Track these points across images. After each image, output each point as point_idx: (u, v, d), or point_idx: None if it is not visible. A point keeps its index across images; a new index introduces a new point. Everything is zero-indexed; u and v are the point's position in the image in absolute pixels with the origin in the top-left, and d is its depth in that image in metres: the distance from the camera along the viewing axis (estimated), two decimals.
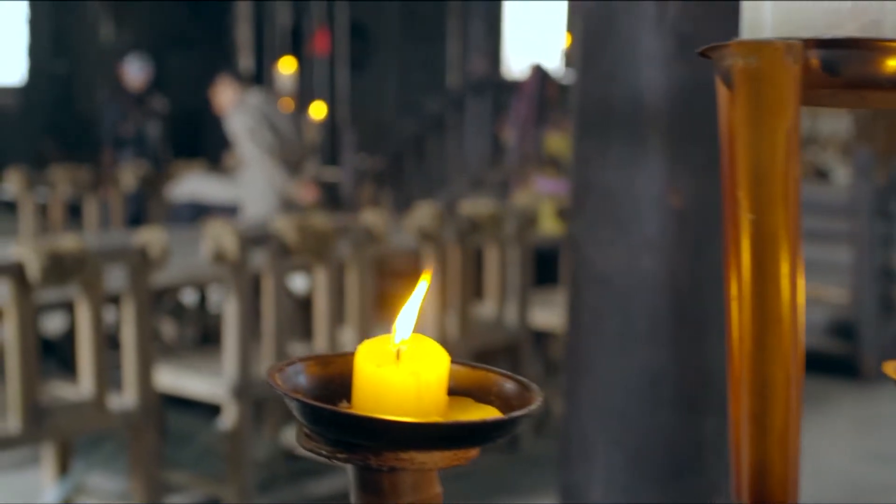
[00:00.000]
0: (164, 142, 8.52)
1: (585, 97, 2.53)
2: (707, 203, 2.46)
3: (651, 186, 2.47)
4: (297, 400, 0.57)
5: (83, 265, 3.12)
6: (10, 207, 8.69)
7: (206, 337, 5.87)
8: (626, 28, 2.47)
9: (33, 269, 3.02)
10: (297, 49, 12.48)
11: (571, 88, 2.66)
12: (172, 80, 8.42)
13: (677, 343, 2.47)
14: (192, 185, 6.38)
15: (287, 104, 7.38)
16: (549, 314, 5.17)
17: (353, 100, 12.34)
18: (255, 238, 3.58)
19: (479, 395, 0.63)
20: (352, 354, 0.60)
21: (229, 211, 6.35)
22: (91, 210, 6.28)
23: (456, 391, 0.62)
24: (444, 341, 4.37)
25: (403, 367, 0.58)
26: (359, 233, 3.94)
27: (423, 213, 4.24)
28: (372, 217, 4.01)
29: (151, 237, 3.34)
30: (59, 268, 3.06)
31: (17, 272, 3.03)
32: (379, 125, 13.66)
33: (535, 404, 0.59)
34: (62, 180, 6.14)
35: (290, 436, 4.33)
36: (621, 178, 2.47)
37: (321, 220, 3.78)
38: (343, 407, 0.60)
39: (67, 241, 3.13)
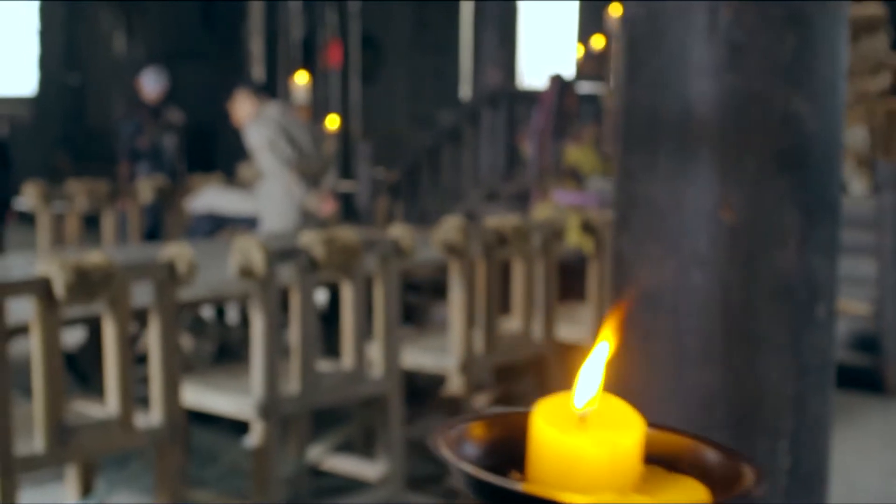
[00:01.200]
0: (179, 154, 8.46)
1: (631, 108, 2.46)
2: (760, 217, 2.38)
3: (702, 200, 2.40)
4: (487, 483, 0.48)
5: (110, 281, 3.06)
6: (24, 218, 8.65)
7: (224, 351, 5.81)
8: (675, 36, 2.40)
9: (60, 286, 2.96)
10: (309, 61, 12.44)
11: (617, 100, 2.58)
12: (185, 93, 8.37)
13: (730, 363, 2.39)
14: (209, 198, 6.32)
15: (303, 116, 7.31)
16: (572, 328, 5.10)
17: (365, 112, 12.29)
18: (283, 253, 3.52)
19: (670, 461, 0.54)
20: (522, 414, 0.51)
21: (247, 224, 6.29)
22: (109, 223, 6.22)
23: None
24: (469, 357, 4.30)
25: (593, 433, 0.49)
26: (386, 247, 3.87)
27: (450, 227, 4.17)
28: (399, 231, 3.94)
29: (178, 252, 3.27)
30: (86, 284, 3.00)
31: (43, 288, 2.96)
32: (390, 137, 13.61)
33: (754, 483, 0.49)
34: (79, 193, 6.08)
35: (315, 453, 4.26)
36: (670, 191, 2.39)
37: (348, 235, 3.71)
38: (516, 477, 0.51)
39: (94, 257, 3.07)
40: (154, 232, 7.83)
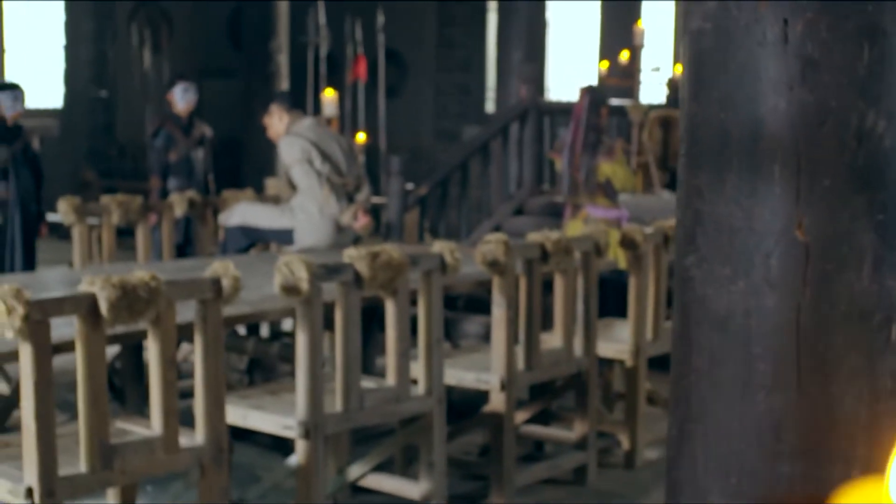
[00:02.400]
0: (209, 168, 8.44)
1: (697, 125, 2.39)
2: (834, 237, 2.31)
3: (773, 219, 2.33)
4: None
5: (155, 299, 3.01)
6: (52, 230, 8.63)
7: (256, 366, 5.76)
8: (744, 50, 2.33)
9: (104, 304, 2.91)
10: (333, 76, 12.42)
11: (681, 116, 2.51)
12: (211, 108, 8.36)
13: (802, 388, 2.32)
14: (242, 213, 6.28)
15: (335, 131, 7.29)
16: (610, 345, 5.03)
17: (389, 127, 12.27)
18: (328, 269, 3.46)
19: None
20: None
21: (281, 239, 6.24)
22: (143, 237, 6.19)
23: None
24: (511, 374, 4.24)
25: None
26: (432, 263, 3.81)
27: (493, 243, 4.11)
28: (443, 246, 3.89)
29: (223, 269, 3.22)
30: (131, 302, 2.95)
31: (87, 306, 2.92)
32: (415, 152, 13.56)
33: None
34: (113, 207, 6.05)
35: (356, 470, 4.20)
36: (740, 210, 2.33)
37: (393, 251, 3.66)
38: None
39: (138, 274, 3.02)
40: (185, 246, 7.81)
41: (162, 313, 3.08)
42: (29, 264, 7.73)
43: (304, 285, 3.37)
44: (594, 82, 14.56)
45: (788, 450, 2.34)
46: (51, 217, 8.21)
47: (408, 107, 16.27)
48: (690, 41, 2.40)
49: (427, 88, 16.65)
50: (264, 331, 5.88)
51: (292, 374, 6.23)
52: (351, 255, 3.58)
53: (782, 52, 2.31)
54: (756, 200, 2.33)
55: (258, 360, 5.98)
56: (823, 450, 2.33)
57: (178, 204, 6.45)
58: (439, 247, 3.91)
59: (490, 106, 16.46)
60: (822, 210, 2.31)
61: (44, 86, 15.83)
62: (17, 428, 5.05)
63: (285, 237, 6.20)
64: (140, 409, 4.93)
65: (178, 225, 7.11)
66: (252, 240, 6.30)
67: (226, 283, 3.23)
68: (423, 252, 3.88)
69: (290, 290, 3.39)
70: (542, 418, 5.08)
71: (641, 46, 10.08)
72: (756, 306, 2.33)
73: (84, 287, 2.96)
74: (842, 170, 2.34)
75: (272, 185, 11.08)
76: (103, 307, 2.93)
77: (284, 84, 13.50)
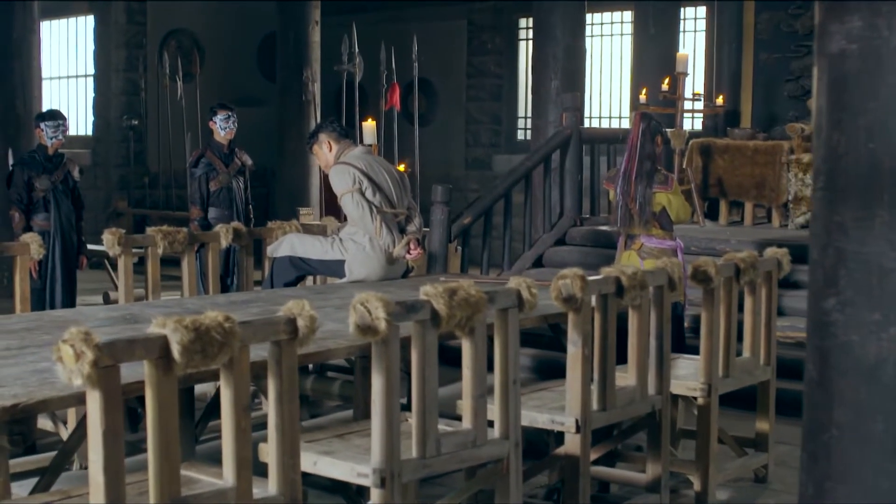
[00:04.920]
0: (249, 198, 8.29)
1: (839, 155, 2.19)
2: None
3: None
4: None
5: (230, 341, 2.82)
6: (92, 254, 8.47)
7: (303, 402, 5.58)
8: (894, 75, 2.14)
9: (177, 347, 2.73)
10: (365, 105, 12.29)
11: (817, 145, 2.32)
12: (243, 138, 8.19)
13: None
14: (291, 244, 6.10)
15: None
16: (677, 381, 4.82)
17: (420, 155, 12.12)
18: (407, 308, 3.27)
19: None
20: None
21: (332, 271, 6.07)
22: (190, 269, 6.03)
23: None
24: (587, 414, 4.04)
25: None
26: (509, 299, 3.62)
27: (569, 277, 3.92)
28: (520, 282, 3.69)
29: (299, 308, 3.04)
30: (205, 345, 2.77)
31: (159, 350, 2.73)
32: (445, 181, 13.36)
33: None
34: (159, 240, 5.90)
35: None
36: (892, 249, 2.13)
37: (470, 286, 3.47)
38: None
39: (212, 315, 2.84)
40: (225, 277, 7.65)
41: (236, 356, 2.90)
42: (69, 296, 7.58)
43: (382, 325, 3.18)
44: (626, 110, 14.41)
45: None
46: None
47: (438, 135, 16.12)
48: (830, 65, 2.21)
49: (457, 117, 16.51)
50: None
51: (340, 409, 6.08)
52: (428, 291, 3.39)
53: None
54: None
55: (304, 397, 5.80)
56: None
57: (224, 235, 6.29)
58: (515, 282, 3.72)
59: (521, 135, 16.30)
60: None
61: (73, 114, 15.77)
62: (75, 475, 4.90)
63: (336, 269, 6.02)
64: (191, 449, 4.75)
65: (221, 255, 6.96)
66: (301, 272, 6.13)
67: (301, 322, 3.04)
68: (498, 288, 3.69)
69: (367, 329, 3.20)
70: (608, 457, 4.87)
71: (685, 74, 9.88)
72: None
73: (154, 329, 2.78)
74: None
75: (303, 214, 10.93)
76: (175, 350, 2.74)
77: (317, 113, 13.37)
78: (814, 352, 2.39)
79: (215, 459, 5.27)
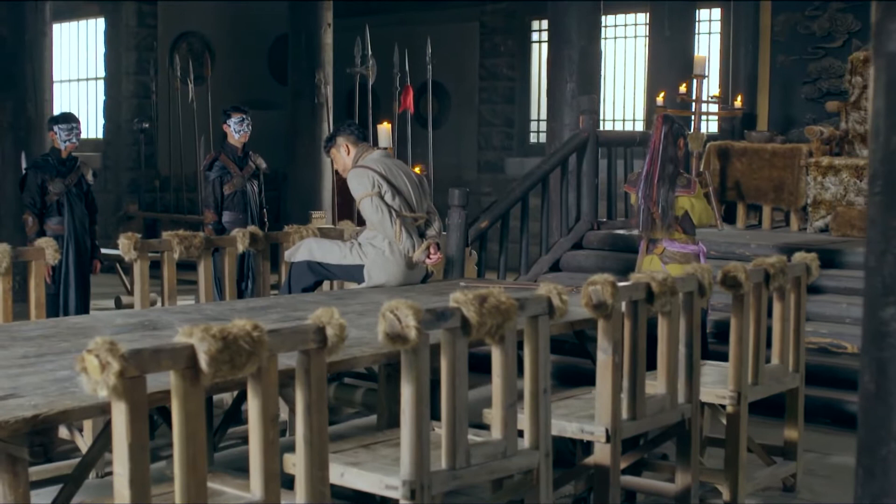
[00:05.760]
0: (263, 202, 8.20)
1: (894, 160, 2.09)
2: None
3: None
4: None
5: (259, 350, 2.73)
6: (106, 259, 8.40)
7: (333, 412, 5.48)
8: None
9: (205, 357, 2.64)
10: (377, 108, 12.21)
11: (874, 148, 2.23)
12: (253, 141, 8.10)
13: None
14: (309, 248, 6.01)
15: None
16: (706, 388, 4.72)
17: (432, 158, 12.04)
18: (437, 316, 3.18)
19: None
20: None
21: (351, 275, 5.98)
22: (206, 273, 5.95)
23: None
24: (617, 423, 3.94)
25: None
26: (540, 306, 3.53)
27: (599, 284, 3.83)
28: (551, 288, 3.60)
29: (328, 316, 2.95)
30: (234, 355, 2.68)
31: (186, 360, 2.64)
32: (457, 184, 13.29)
33: None
34: (175, 244, 5.81)
35: None
36: None
37: (502, 294, 3.38)
38: None
39: (240, 323, 2.75)
40: (240, 281, 7.55)
41: (264, 366, 2.81)
42: (83, 301, 7.49)
43: (413, 333, 3.09)
44: (641, 112, 14.32)
45: None
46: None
47: (450, 138, 16.03)
48: (888, 65, 2.11)
49: (470, 120, 16.42)
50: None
51: (357, 416, 6.00)
52: (458, 298, 3.30)
53: None
54: None
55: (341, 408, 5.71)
56: None
57: (241, 239, 6.20)
58: (546, 288, 3.62)
59: (534, 138, 16.20)
60: None
61: (84, 118, 15.70)
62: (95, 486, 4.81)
63: (354, 274, 5.93)
64: (210, 457, 4.67)
65: (237, 259, 6.87)
66: (319, 277, 6.04)
67: (331, 331, 2.95)
68: (528, 294, 3.59)
69: (396, 338, 3.11)
70: (633, 466, 4.78)
71: (703, 77, 9.77)
72: None
73: (181, 338, 2.69)
74: None
75: (316, 219, 10.84)
76: (203, 361, 2.65)
77: (330, 116, 13.29)
78: (871, 363, 2.29)
79: (234, 468, 5.20)
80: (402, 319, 3.09)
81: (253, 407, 2.86)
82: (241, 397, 5.34)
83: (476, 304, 3.30)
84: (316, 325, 2.95)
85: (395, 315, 3.11)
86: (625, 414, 4.07)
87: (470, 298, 3.31)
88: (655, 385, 4.30)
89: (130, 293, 11.32)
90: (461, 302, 3.29)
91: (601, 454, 4.00)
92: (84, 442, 5.07)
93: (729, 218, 10.11)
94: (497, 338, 3.42)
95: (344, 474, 3.37)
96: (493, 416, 3.52)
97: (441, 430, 3.34)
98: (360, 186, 5.90)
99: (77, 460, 5.05)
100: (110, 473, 4.92)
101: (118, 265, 11.50)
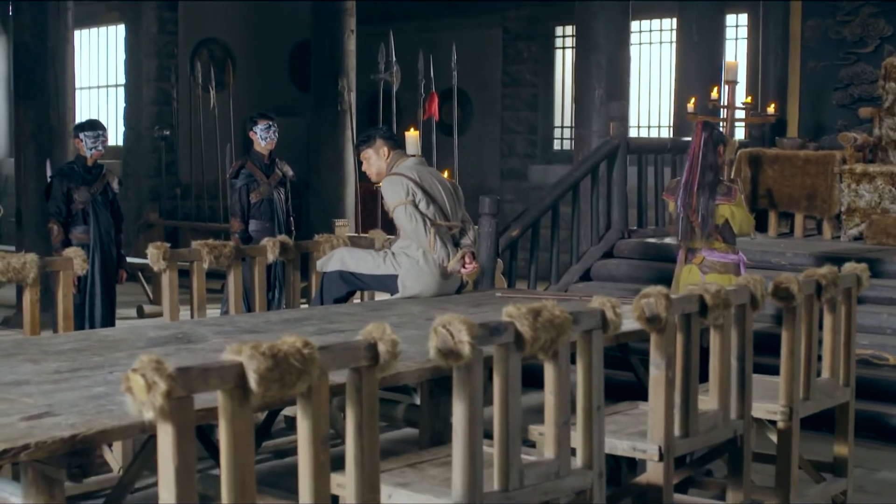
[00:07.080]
0: (290, 210, 8.08)
1: None
2: None
3: None
4: None
5: (309, 370, 2.59)
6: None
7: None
8: None
9: (254, 376, 2.50)
10: (399, 115, 12.09)
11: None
12: (276, 149, 7.97)
13: None
14: (342, 258, 5.88)
15: None
16: (756, 403, 4.56)
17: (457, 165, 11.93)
18: (490, 331, 3.04)
19: None
20: None
21: (384, 286, 5.84)
22: (235, 285, 5.82)
23: None
24: (670, 441, 3.79)
25: None
26: (594, 320, 3.39)
27: (652, 296, 3.68)
28: (604, 301, 3.46)
29: (379, 332, 2.81)
30: (284, 373, 2.54)
31: (235, 379, 2.50)
32: (481, 191, 13.17)
33: None
34: (205, 254, 5.69)
35: None
36: None
37: (556, 308, 3.23)
38: None
39: (290, 340, 2.61)
40: (267, 291, 7.42)
41: (314, 385, 2.67)
42: (109, 311, 7.37)
43: (466, 349, 2.94)
44: (669, 119, 14.15)
45: None
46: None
47: (473, 145, 15.89)
48: None
49: (493, 127, 16.29)
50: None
51: (389, 430, 5.82)
52: (511, 312, 3.15)
53: None
54: None
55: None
56: None
57: (271, 249, 6.08)
58: (599, 301, 3.48)
59: (557, 145, 16.05)
60: None
61: (109, 126, 15.60)
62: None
63: (388, 285, 5.79)
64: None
65: (266, 267, 6.74)
66: (352, 287, 5.90)
67: (383, 347, 2.81)
68: (582, 308, 3.45)
69: (449, 354, 2.96)
70: (681, 483, 4.62)
71: (734, 82, 9.61)
72: None
73: (229, 355, 2.55)
74: None
75: (339, 227, 10.71)
76: (252, 380, 2.51)
77: (353, 123, 13.16)
78: None
79: (267, 483, 5.06)
80: (455, 335, 2.95)
81: (302, 428, 2.72)
82: (275, 412, 5.22)
83: (530, 318, 3.16)
84: (367, 341, 2.82)
85: (447, 330, 2.96)
86: (677, 431, 3.91)
87: (523, 312, 3.16)
88: (706, 400, 4.15)
89: (152, 302, 11.22)
90: (514, 316, 3.15)
91: (654, 473, 3.85)
92: (114, 457, 4.95)
93: (760, 226, 9.94)
94: (550, 353, 3.28)
95: (392, 495, 3.23)
96: (546, 434, 3.38)
97: (492, 449, 3.20)
98: (395, 194, 5.76)
99: (105, 476, 4.95)
100: (141, 489, 4.80)
101: (140, 274, 11.40)
